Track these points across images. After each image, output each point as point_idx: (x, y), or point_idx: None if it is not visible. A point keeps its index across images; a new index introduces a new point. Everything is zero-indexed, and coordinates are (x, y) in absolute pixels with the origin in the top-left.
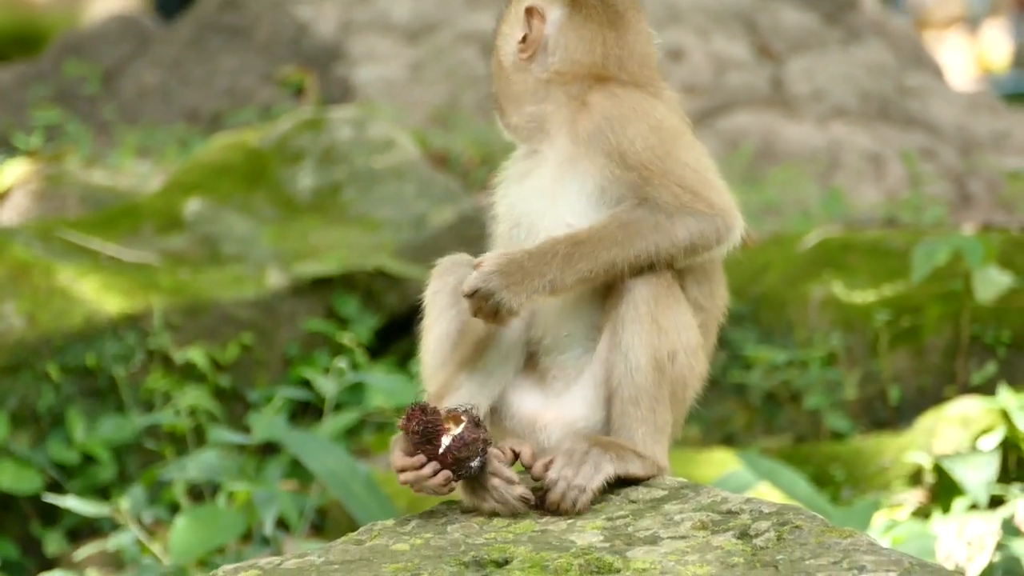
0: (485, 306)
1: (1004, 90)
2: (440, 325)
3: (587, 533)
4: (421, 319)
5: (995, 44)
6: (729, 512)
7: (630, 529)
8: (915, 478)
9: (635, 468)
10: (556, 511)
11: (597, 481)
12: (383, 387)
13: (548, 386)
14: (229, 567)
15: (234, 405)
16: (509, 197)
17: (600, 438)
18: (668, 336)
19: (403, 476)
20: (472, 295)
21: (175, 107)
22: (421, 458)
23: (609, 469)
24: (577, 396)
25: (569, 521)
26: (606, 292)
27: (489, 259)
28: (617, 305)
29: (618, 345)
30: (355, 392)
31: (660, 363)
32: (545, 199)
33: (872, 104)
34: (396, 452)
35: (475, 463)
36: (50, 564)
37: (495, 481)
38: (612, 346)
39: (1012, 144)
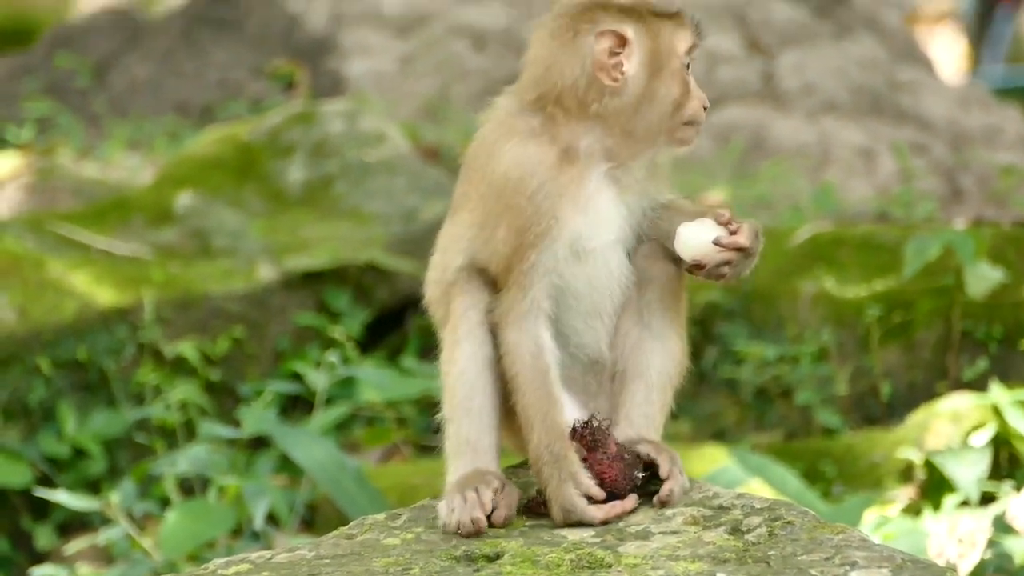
0: (741, 262)
1: (994, 85)
2: (471, 344)
3: (578, 528)
4: (431, 325)
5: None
6: (721, 507)
7: (621, 524)
8: (906, 474)
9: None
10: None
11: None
12: (374, 381)
13: (587, 393)
14: (220, 561)
15: (225, 399)
16: (570, 219)
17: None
18: (684, 325)
19: (611, 517)
20: (742, 249)
21: (166, 100)
22: (632, 500)
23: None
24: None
25: None
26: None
27: (750, 223)
28: (643, 291)
29: (648, 327)
30: (346, 386)
31: (685, 351)
32: (612, 231)
33: (863, 99)
34: (584, 505)
35: (639, 473)
36: (40, 558)
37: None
38: (640, 327)
39: (1003, 139)
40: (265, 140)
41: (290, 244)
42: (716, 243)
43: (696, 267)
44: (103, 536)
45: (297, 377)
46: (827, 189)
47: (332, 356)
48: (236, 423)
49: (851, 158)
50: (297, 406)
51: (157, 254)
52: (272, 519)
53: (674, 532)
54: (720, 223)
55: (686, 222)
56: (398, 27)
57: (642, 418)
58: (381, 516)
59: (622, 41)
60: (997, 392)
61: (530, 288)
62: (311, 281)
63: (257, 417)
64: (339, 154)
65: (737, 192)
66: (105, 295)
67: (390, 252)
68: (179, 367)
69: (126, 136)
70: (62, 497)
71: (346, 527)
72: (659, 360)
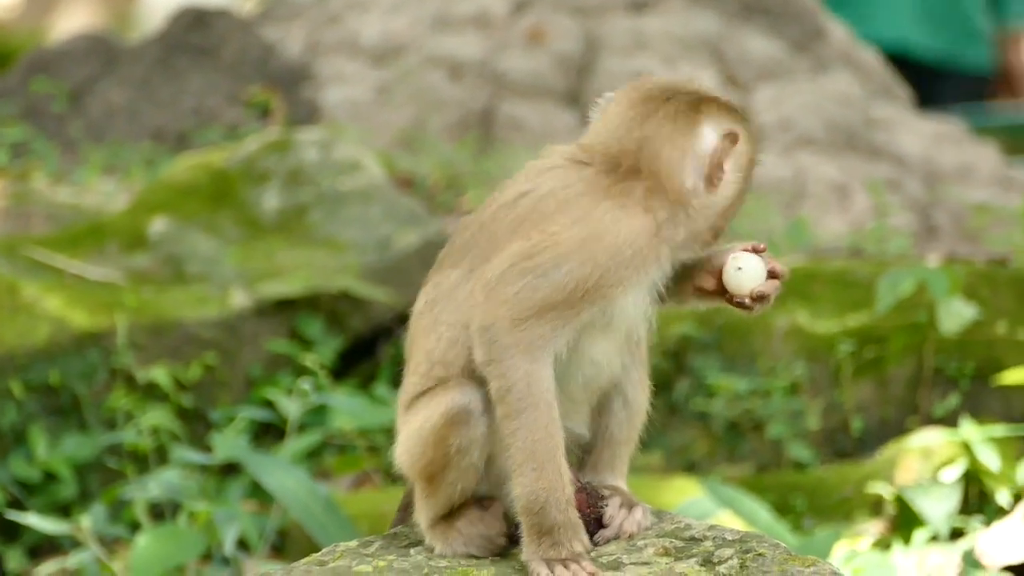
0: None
1: (971, 124)
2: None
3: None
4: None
5: None
6: (692, 539)
7: (593, 555)
8: (876, 509)
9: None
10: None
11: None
12: (346, 409)
13: None
14: None
15: (196, 425)
16: (632, 290)
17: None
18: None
19: None
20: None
21: (142, 126)
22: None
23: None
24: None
25: None
26: None
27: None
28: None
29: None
30: (318, 414)
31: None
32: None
33: (839, 134)
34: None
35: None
36: None
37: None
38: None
39: (977, 176)
40: (240, 167)
41: (264, 271)
42: (772, 272)
43: (760, 298)
44: (73, 560)
45: (269, 404)
46: (801, 224)
47: (304, 383)
48: (208, 449)
49: (825, 193)
50: (269, 433)
51: (131, 279)
52: (242, 545)
53: (645, 563)
54: (758, 251)
55: (732, 254)
56: (374, 56)
57: (608, 469)
58: (353, 543)
59: (735, 144)
60: (968, 428)
61: (560, 328)
62: (284, 308)
63: (228, 443)
64: (314, 182)
65: None
66: (78, 319)
67: (364, 281)
68: (151, 392)
69: (101, 161)
70: (32, 520)
71: (318, 554)
72: (627, 415)
